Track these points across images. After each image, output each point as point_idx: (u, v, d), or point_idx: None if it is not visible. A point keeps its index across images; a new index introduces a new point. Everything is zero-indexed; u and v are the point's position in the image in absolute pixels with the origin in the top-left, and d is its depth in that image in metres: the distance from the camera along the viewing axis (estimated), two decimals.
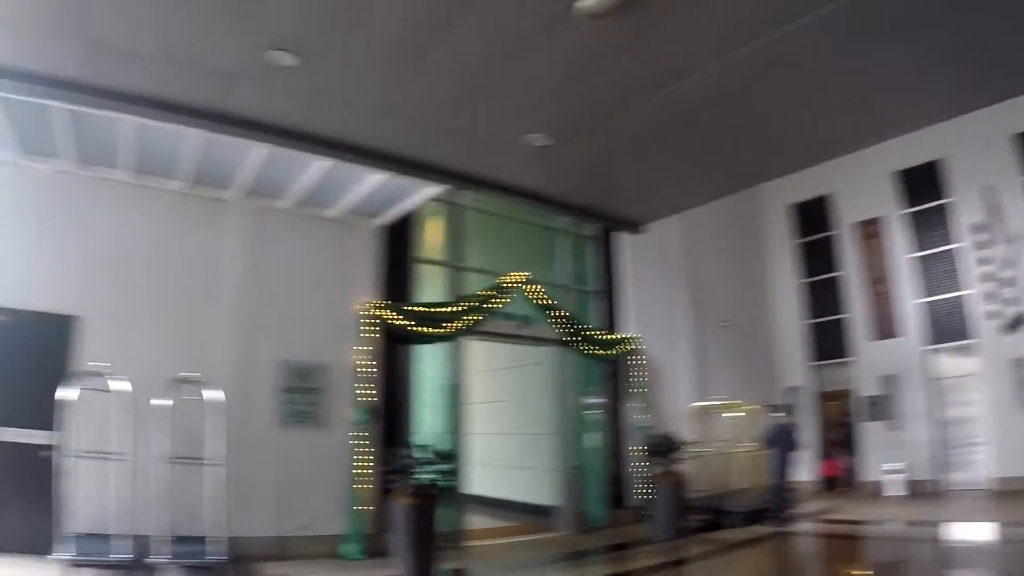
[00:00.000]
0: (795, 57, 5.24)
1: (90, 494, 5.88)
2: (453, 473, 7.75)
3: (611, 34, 4.83)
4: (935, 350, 12.54)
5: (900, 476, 12.07)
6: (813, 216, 14.63)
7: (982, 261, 11.85)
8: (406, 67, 5.35)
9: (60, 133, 6.11)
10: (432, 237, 9.21)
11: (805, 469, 12.39)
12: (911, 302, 12.87)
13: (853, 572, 7.02)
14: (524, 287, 9.41)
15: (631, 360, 10.42)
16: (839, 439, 13.63)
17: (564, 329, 9.75)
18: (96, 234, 6.87)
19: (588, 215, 9.22)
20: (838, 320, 13.96)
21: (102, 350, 6.27)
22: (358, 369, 7.72)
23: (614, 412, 10.27)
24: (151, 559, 5.72)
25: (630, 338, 10.50)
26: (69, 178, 6.79)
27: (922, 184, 12.78)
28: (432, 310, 8.38)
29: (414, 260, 8.81)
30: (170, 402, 6.14)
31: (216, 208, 7.50)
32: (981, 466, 11.60)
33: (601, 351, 10.07)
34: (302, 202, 7.67)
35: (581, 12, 4.56)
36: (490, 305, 8.91)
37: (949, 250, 12.41)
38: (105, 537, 5.78)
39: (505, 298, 9.10)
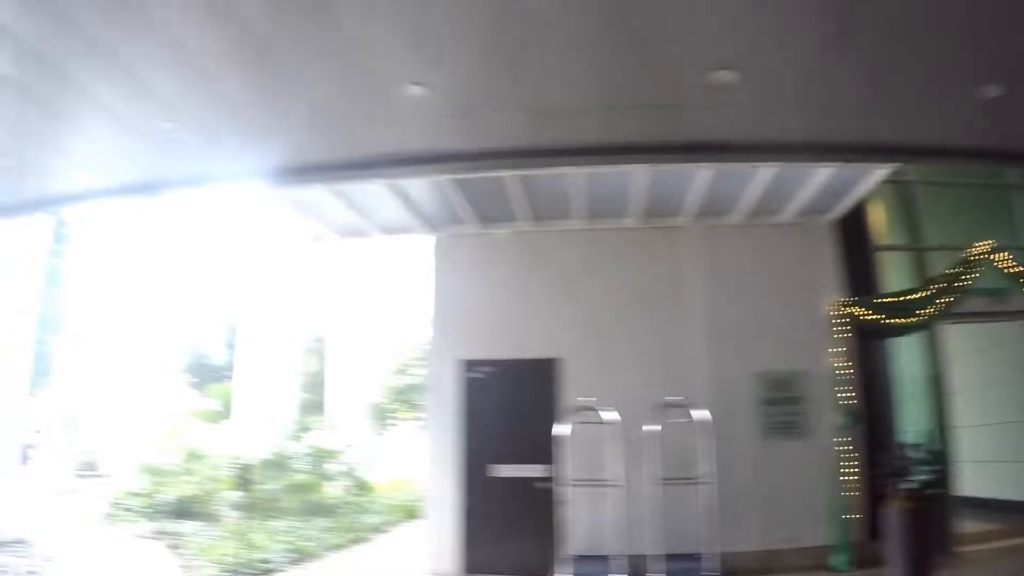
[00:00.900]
0: None
1: (586, 518, 6.55)
2: (944, 472, 7.09)
3: None
4: None
5: None
6: None
7: None
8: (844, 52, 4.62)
9: (514, 198, 6.90)
10: (885, 221, 8.60)
11: None
12: None
13: None
14: (992, 257, 8.16)
15: None
16: None
17: None
18: (558, 278, 7.82)
19: None
20: None
21: (585, 386, 7.04)
22: (836, 372, 7.46)
23: None
24: None
25: None
26: (524, 236, 7.91)
27: None
28: (902, 299, 7.77)
29: (874, 249, 8.32)
30: (659, 427, 6.59)
31: (670, 236, 7.99)
32: None
33: None
34: (752, 213, 7.74)
35: None
36: (961, 284, 7.92)
37: None
38: (603, 558, 6.30)
39: (975, 273, 8.00)
